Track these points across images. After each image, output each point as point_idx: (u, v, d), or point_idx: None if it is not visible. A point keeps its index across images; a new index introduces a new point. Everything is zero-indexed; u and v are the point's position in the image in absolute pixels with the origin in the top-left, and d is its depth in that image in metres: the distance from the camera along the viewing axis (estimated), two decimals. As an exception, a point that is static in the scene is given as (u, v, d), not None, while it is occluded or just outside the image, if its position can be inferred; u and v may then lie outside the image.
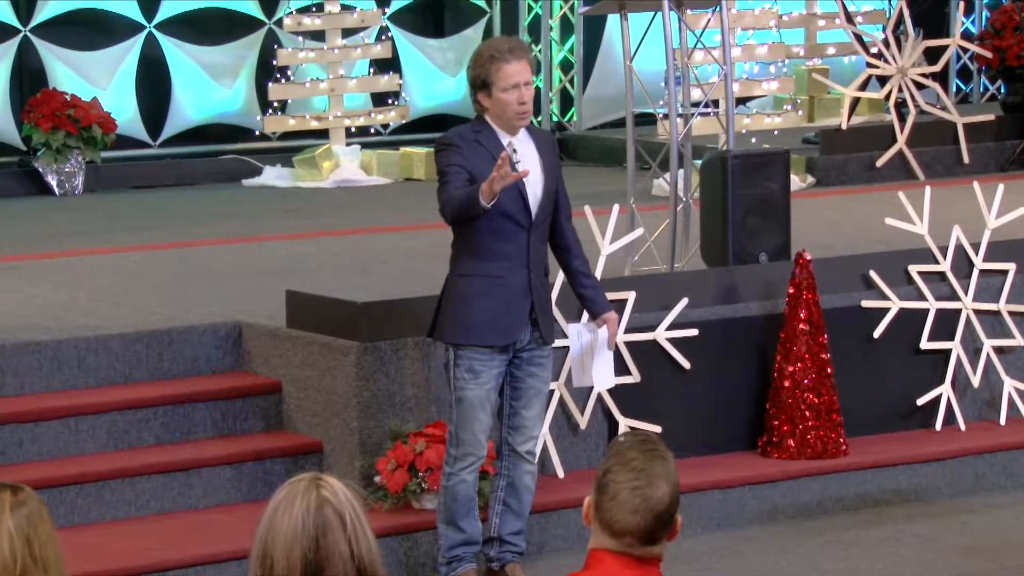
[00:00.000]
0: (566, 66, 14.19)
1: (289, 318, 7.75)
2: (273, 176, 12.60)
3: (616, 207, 7.97)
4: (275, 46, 12.84)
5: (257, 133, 13.00)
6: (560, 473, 7.63)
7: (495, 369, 6.53)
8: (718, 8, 9.09)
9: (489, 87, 6.44)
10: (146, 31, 12.88)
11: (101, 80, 12.66)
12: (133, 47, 12.83)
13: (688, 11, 9.34)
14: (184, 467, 7.30)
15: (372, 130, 13.38)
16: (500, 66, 6.43)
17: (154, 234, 10.52)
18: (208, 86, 13.06)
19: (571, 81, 14.14)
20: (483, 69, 6.45)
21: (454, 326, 6.54)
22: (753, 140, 12.12)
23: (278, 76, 12.65)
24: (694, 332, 7.91)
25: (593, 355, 6.72)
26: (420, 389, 7.42)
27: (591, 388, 7.34)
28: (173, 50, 12.94)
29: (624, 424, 7.75)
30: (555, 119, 14.16)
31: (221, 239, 10.32)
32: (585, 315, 7.02)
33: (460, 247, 6.58)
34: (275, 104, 12.76)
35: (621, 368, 7.76)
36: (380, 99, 13.22)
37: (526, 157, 6.51)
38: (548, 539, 7.33)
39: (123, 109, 12.65)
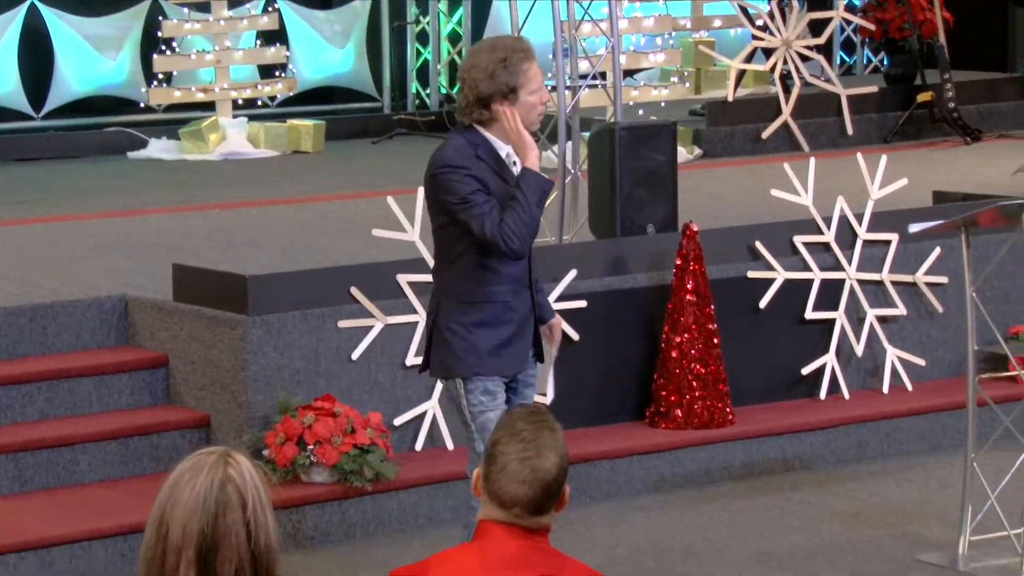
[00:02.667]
0: (454, 38, 14.17)
1: (176, 291, 7.69)
2: (159, 149, 12.50)
3: (504, 179, 7.97)
4: (160, 17, 12.72)
5: (142, 105, 12.88)
6: (449, 445, 7.65)
7: (503, 388, 5.93)
8: (605, -20, 9.11)
9: (517, 92, 5.70)
10: (28, 2, 12.71)
11: (-18, 51, 12.49)
12: (15, 18, 12.65)
13: (575, -17, 9.36)
14: (69, 442, 7.23)
15: (259, 102, 13.30)
16: (527, 67, 5.72)
17: (38, 207, 10.40)
18: (92, 57, 12.91)
19: (459, 53, 14.12)
20: (511, 76, 5.69)
21: (468, 359, 5.79)
22: (640, 112, 12.17)
23: (163, 48, 12.54)
24: (583, 304, 7.94)
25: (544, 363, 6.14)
26: (309, 362, 7.40)
27: None
28: (56, 21, 12.77)
29: (513, 395, 7.76)
30: (443, 91, 14.14)
31: (107, 212, 10.22)
32: None
33: (458, 273, 5.82)
34: (160, 76, 12.64)
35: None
36: (267, 71, 13.14)
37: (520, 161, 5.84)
38: (438, 511, 7.34)
39: (5, 81, 12.48)
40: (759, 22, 12.43)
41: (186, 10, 12.61)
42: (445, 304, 5.84)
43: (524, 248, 5.74)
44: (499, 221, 5.67)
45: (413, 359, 7.59)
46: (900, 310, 8.65)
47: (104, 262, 8.62)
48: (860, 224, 8.60)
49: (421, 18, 14.10)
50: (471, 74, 5.74)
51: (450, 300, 5.83)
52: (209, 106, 12.68)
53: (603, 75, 10.05)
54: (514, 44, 5.78)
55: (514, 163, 5.82)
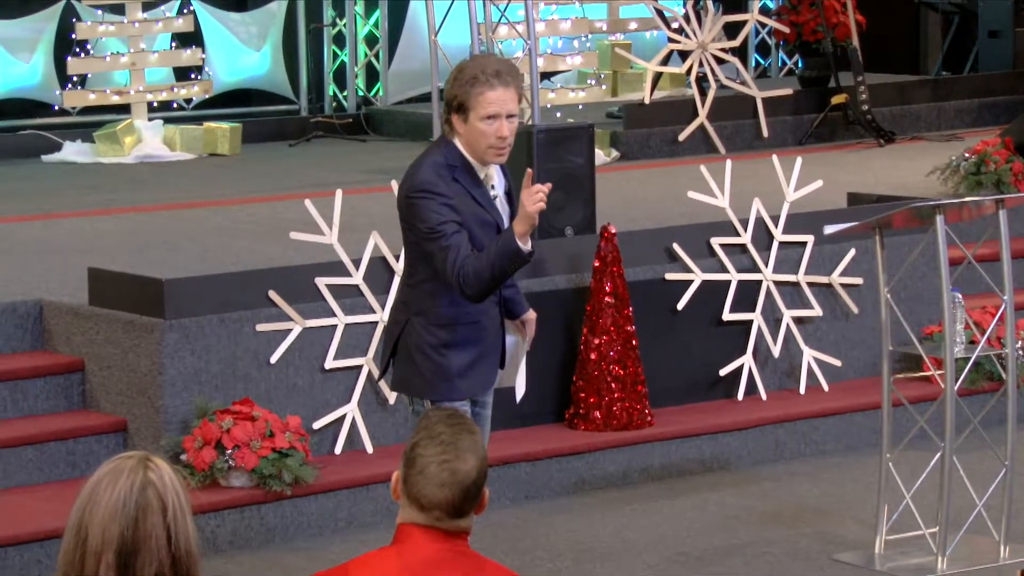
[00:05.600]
0: (371, 41, 14.15)
1: (91, 296, 7.64)
2: (73, 152, 12.40)
3: (422, 182, 7.95)
4: (73, 19, 12.62)
5: (56, 108, 12.78)
6: (369, 448, 7.64)
7: (469, 407, 5.78)
8: (522, -17, 9.14)
9: (466, 111, 5.56)
10: (-61, 4, 12.59)
11: None
12: (-74, 20, 12.53)
13: (492, -14, 9.38)
14: (-16, 448, 7.17)
15: (175, 105, 13.22)
16: (482, 91, 5.53)
17: (-50, 211, 10.30)
18: (5, 60, 12.79)
19: (376, 56, 14.10)
20: (461, 90, 5.56)
21: (437, 383, 5.67)
22: (558, 114, 12.21)
23: (77, 50, 12.44)
24: (501, 306, 7.94)
25: (516, 357, 6.04)
26: (226, 366, 7.36)
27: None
28: (-32, 23, 12.65)
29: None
30: (361, 94, 14.12)
31: (21, 216, 10.13)
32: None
33: (428, 292, 5.66)
34: (74, 78, 12.54)
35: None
36: (183, 73, 13.07)
37: (499, 187, 5.75)
38: (357, 514, 7.34)
39: (-84, 83, 12.35)
40: (675, 25, 12.50)
41: (100, 12, 12.52)
42: (414, 321, 5.67)
43: (478, 297, 5.57)
44: (462, 263, 5.49)
45: (332, 362, 7.58)
46: (816, 311, 8.72)
47: (19, 266, 8.55)
48: (776, 226, 8.66)
49: (338, 20, 14.07)
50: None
51: (419, 318, 5.67)
52: (124, 109, 12.60)
53: (520, 78, 10.06)
54: (484, 63, 5.61)
55: (492, 186, 5.69)
